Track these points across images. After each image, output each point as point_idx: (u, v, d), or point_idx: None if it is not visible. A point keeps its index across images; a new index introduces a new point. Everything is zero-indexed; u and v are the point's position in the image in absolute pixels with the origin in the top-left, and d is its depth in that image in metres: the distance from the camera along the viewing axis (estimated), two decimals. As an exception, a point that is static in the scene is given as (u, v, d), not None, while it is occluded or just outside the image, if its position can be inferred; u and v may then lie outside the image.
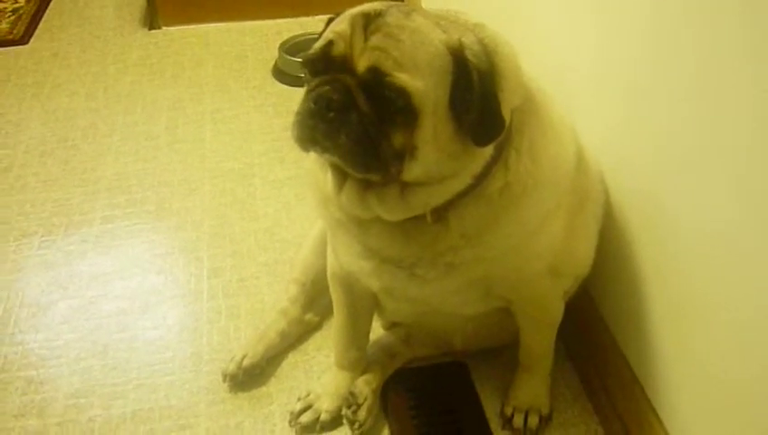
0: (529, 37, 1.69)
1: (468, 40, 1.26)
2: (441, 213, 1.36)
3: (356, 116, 1.22)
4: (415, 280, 1.45)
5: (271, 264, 2.29)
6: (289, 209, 2.52)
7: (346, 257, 1.55)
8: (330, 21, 1.35)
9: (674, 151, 1.38)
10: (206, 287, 2.22)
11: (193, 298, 2.18)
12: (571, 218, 1.53)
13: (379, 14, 1.24)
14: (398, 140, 1.24)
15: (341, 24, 1.26)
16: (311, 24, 3.65)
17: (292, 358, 1.98)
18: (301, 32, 3.47)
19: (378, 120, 1.22)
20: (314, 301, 2.03)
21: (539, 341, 1.73)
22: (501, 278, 1.50)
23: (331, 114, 1.22)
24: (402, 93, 1.19)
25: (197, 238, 2.41)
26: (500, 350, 1.89)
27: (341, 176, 1.33)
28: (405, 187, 1.30)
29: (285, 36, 3.46)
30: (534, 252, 1.50)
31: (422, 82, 1.21)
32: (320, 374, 1.91)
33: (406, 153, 1.24)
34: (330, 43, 1.26)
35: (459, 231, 1.37)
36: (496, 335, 1.85)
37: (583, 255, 1.64)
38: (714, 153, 1.25)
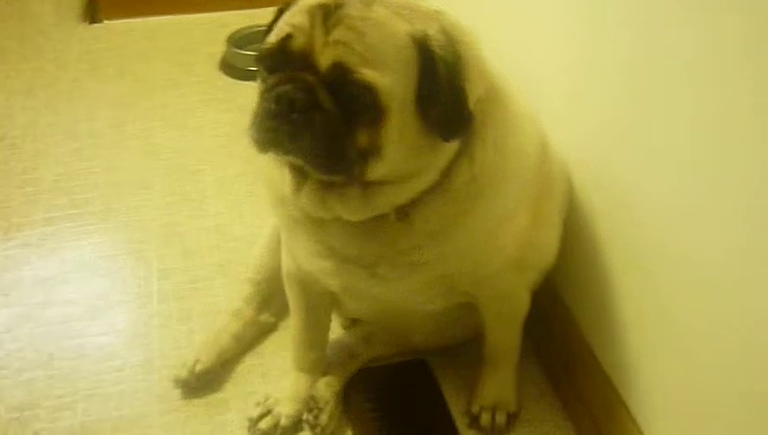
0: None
1: (433, 30, 1.21)
2: (405, 211, 1.32)
3: (320, 116, 1.17)
4: (376, 279, 1.41)
5: (224, 263, 2.22)
6: (241, 207, 2.46)
7: (304, 257, 1.49)
8: (280, 12, 1.29)
9: (639, 138, 1.37)
10: (155, 290, 2.14)
11: (142, 302, 2.10)
12: (534, 209, 1.50)
13: (338, 6, 1.18)
14: (362, 139, 1.19)
15: (299, 17, 1.19)
16: (258, 16, 3.40)
17: (248, 361, 1.92)
18: (248, 24, 3.40)
19: (343, 120, 1.17)
20: (270, 301, 1.96)
21: (504, 336, 1.69)
22: (465, 274, 1.46)
23: (295, 115, 1.16)
24: (369, 91, 1.15)
25: (146, 239, 2.33)
26: (462, 346, 1.86)
27: (300, 176, 1.28)
28: (367, 186, 1.26)
29: (233, 29, 3.39)
30: (499, 245, 1.46)
31: (389, 78, 1.16)
32: (278, 378, 1.85)
33: (370, 152, 1.20)
34: (287, 37, 1.19)
35: (424, 229, 1.33)
36: (459, 332, 1.81)
37: (548, 246, 1.61)
38: (680, 142, 1.24)
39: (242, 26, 3.38)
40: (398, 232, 1.33)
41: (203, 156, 2.71)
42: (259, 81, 1.27)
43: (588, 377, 1.67)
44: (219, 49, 3.34)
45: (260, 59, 1.23)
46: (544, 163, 1.51)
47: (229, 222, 2.39)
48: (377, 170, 1.22)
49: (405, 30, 1.19)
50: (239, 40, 3.27)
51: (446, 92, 1.19)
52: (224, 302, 2.06)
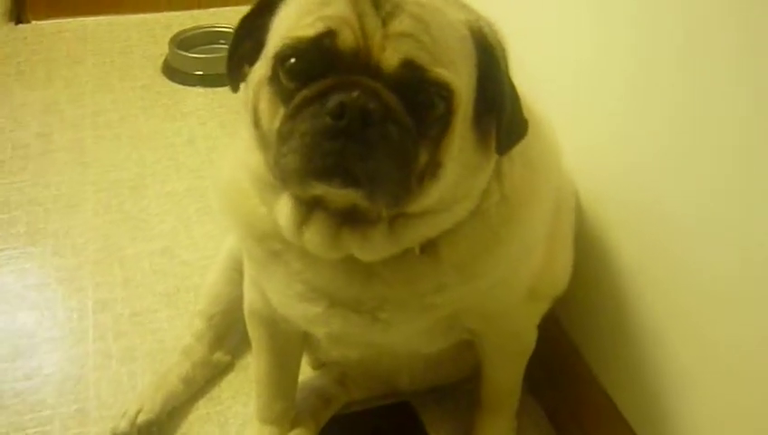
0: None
1: (484, 21, 1.05)
2: (432, 241, 1.13)
3: (396, 130, 0.95)
4: (377, 325, 1.21)
5: (170, 293, 2.04)
6: (189, 226, 2.28)
7: (281, 299, 1.27)
8: (267, 1, 1.06)
9: (663, 149, 1.30)
10: (91, 325, 1.94)
11: (76, 339, 1.90)
12: (549, 229, 1.35)
13: None
14: (423, 157, 0.99)
15: (336, 5, 0.97)
16: (203, 17, 3.46)
17: (202, 409, 1.73)
18: (193, 25, 3.28)
19: (416, 134, 0.97)
20: (225, 337, 1.80)
21: (507, 375, 1.55)
22: (477, 311, 1.31)
23: (370, 130, 0.94)
24: (446, 93, 0.97)
25: (79, 265, 2.13)
26: (451, 387, 1.72)
27: (306, 207, 1.08)
28: (397, 218, 1.07)
29: (176, 30, 3.25)
30: (521, 276, 1.30)
31: (458, 78, 0.98)
32: (239, 429, 1.67)
33: (427, 174, 1.01)
34: (329, 34, 0.96)
35: (452, 263, 1.15)
36: (451, 372, 1.67)
37: (562, 271, 1.46)
38: (710, 160, 1.18)
39: (185, 27, 3.26)
40: (419, 268, 1.14)
41: (144, 169, 2.54)
42: (270, 95, 1.02)
43: (598, 419, 1.55)
44: (161, 51, 3.20)
45: (288, 61, 0.98)
46: (560, 175, 1.38)
47: (176, 244, 2.21)
48: (429, 196, 1.03)
49: (460, 18, 1.02)
50: (184, 42, 3.15)
51: (508, 93, 1.04)
52: (171, 338, 1.89)
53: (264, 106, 1.03)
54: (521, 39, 1.13)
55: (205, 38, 3.17)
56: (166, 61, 3.13)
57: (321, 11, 0.97)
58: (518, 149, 1.13)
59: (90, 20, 3.46)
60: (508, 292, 1.30)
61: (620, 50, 1.38)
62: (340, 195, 1.02)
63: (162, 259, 2.14)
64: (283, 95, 0.99)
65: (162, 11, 3.52)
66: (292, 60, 0.97)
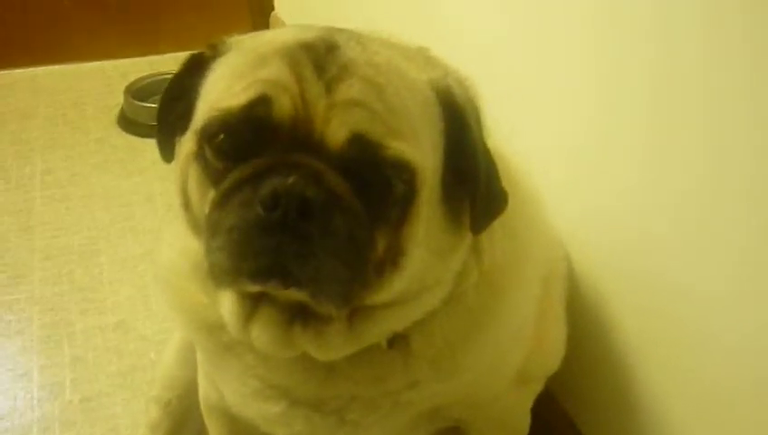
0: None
1: (452, 78, 0.92)
2: (402, 334, 1.00)
3: (343, 220, 0.82)
4: (344, 428, 1.08)
5: (126, 373, 1.88)
6: (146, 296, 2.13)
7: (236, 397, 1.13)
8: (195, 61, 0.95)
9: (669, 212, 1.20)
10: (36, 416, 1.77)
11: (19, 433, 1.74)
12: (538, 302, 1.20)
13: (331, 47, 0.86)
14: (381, 244, 0.87)
15: (273, 66, 0.84)
16: (161, 63, 3.38)
17: None
18: (150, 72, 3.22)
19: (369, 221, 0.84)
20: (183, 423, 1.62)
21: None
22: (459, 402, 1.16)
23: (309, 223, 0.80)
24: (406, 173, 0.84)
25: (23, 345, 1.98)
26: None
27: (251, 301, 0.95)
28: (356, 313, 0.94)
29: (132, 78, 3.17)
30: (510, 361, 1.16)
31: (420, 152, 0.86)
32: None
33: (387, 263, 0.88)
34: (263, 101, 0.83)
35: (426, 357, 1.02)
36: None
37: (554, 347, 1.33)
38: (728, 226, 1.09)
39: (142, 75, 3.18)
40: (387, 365, 1.01)
41: (97, 232, 2.40)
42: (197, 174, 0.89)
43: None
44: (116, 102, 3.11)
45: (213, 137, 0.85)
46: (549, 241, 1.26)
47: (132, 317, 2.06)
48: (391, 287, 0.91)
49: (423, 78, 0.89)
50: (140, 90, 3.05)
51: (482, 163, 0.91)
52: (127, 425, 1.74)
53: (193, 186, 0.90)
54: (512, 100, 1.01)
55: (163, 86, 2.96)
56: (121, 111, 3.04)
57: (253, 75, 0.84)
58: (498, 219, 0.99)
59: (41, 70, 3.41)
60: (494, 381, 1.17)
61: (627, 112, 1.28)
62: (282, 293, 0.89)
63: (116, 335, 2.00)
64: (212, 176, 0.86)
65: (117, 57, 3.47)
66: (221, 136, 0.84)
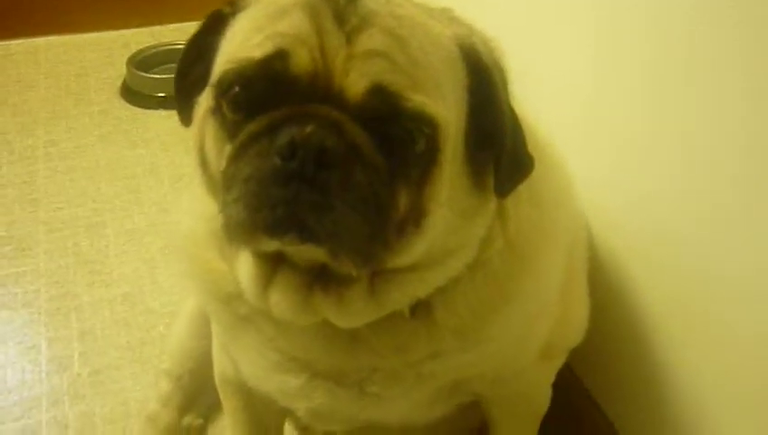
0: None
1: (478, 37, 0.89)
2: (425, 303, 0.97)
3: (363, 173, 0.79)
4: (366, 400, 1.05)
5: (135, 346, 1.86)
6: (153, 268, 2.10)
7: (254, 370, 1.10)
8: (215, 18, 0.91)
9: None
10: (45, 389, 1.75)
11: (27, 406, 1.71)
12: (564, 272, 1.17)
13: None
14: (402, 203, 0.83)
15: (291, 18, 0.82)
16: (164, 34, 3.33)
17: None
18: (153, 42, 3.17)
19: (390, 176, 0.81)
20: (195, 398, 1.63)
21: None
22: (483, 375, 1.13)
23: (327, 173, 0.77)
24: (427, 127, 0.80)
25: (30, 318, 1.95)
26: None
27: (270, 264, 0.92)
28: (377, 277, 0.91)
29: (134, 49, 3.12)
30: (536, 334, 1.13)
31: (444, 107, 0.82)
32: None
33: (408, 224, 0.85)
34: (280, 55, 0.80)
35: (450, 327, 0.99)
36: None
37: (579, 319, 1.29)
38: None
39: (144, 46, 3.13)
40: (410, 334, 0.98)
41: (102, 204, 2.36)
42: (214, 130, 0.86)
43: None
44: (119, 73, 3.06)
45: (228, 89, 0.82)
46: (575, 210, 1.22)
47: (139, 290, 2.03)
48: (413, 250, 0.88)
49: (448, 34, 0.86)
50: (143, 61, 3.02)
51: (508, 124, 0.87)
52: (136, 400, 1.72)
53: (210, 144, 0.88)
54: (523, 58, 0.97)
55: (166, 57, 3.03)
56: (124, 83, 2.99)
57: (272, 27, 0.81)
58: (524, 185, 0.97)
59: (41, 40, 3.33)
60: (520, 354, 1.14)
61: (630, 71, 1.26)
62: (299, 250, 0.86)
63: (124, 307, 1.97)
64: (229, 130, 0.83)
65: (119, 29, 3.40)
66: (236, 88, 0.81)
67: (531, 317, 1.06)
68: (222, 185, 0.83)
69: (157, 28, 3.36)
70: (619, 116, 1.32)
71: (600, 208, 1.38)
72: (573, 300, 1.24)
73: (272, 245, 0.83)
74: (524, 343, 1.11)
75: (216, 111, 0.84)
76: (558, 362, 1.28)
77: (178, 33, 3.25)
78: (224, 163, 0.83)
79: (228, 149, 0.83)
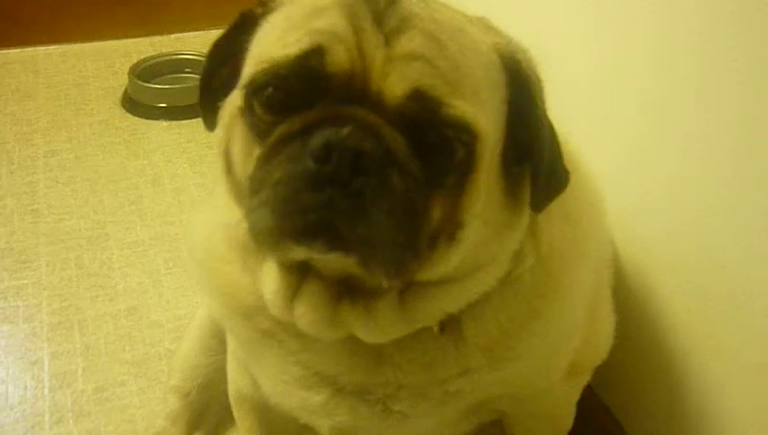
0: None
1: (516, 46, 0.87)
2: (455, 318, 0.95)
3: (400, 179, 0.76)
4: (390, 418, 1.02)
5: (140, 361, 1.82)
6: (158, 281, 2.06)
7: (275, 386, 1.07)
8: (245, 19, 0.89)
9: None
10: (47, 406, 1.71)
11: (30, 423, 1.67)
12: (593, 289, 1.16)
13: (391, 0, 0.80)
14: (437, 213, 0.81)
15: (329, 17, 0.79)
16: (166, 44, 3.29)
17: None
18: (154, 52, 3.13)
19: (426, 184, 0.78)
20: (204, 415, 1.60)
21: None
22: (510, 393, 1.10)
23: (363, 178, 0.74)
24: (466, 135, 0.79)
25: (32, 332, 1.91)
26: None
27: (296, 275, 0.89)
28: (407, 290, 0.89)
29: (135, 58, 3.08)
30: (565, 352, 1.11)
31: (483, 115, 0.80)
32: None
33: (442, 235, 0.83)
34: (317, 52, 0.77)
35: (479, 344, 0.97)
36: None
37: (605, 337, 1.27)
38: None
39: (146, 56, 3.09)
40: (438, 351, 0.96)
41: (104, 216, 2.32)
42: (243, 133, 0.84)
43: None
44: (120, 83, 3.02)
45: (261, 89, 0.80)
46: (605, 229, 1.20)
47: (144, 303, 2.00)
48: (445, 263, 0.85)
49: (488, 41, 0.84)
50: (145, 71, 2.98)
51: (546, 138, 0.85)
52: (142, 417, 1.68)
53: (238, 147, 0.85)
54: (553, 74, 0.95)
55: (168, 67, 3.01)
56: (126, 93, 2.96)
57: (308, 24, 0.78)
58: (556, 201, 0.94)
59: (40, 50, 3.28)
60: (548, 372, 1.12)
61: (671, 100, 1.23)
62: (328, 260, 0.83)
63: (128, 322, 1.93)
64: (259, 131, 0.80)
65: (120, 38, 3.35)
66: (270, 89, 0.78)
67: (560, 335, 1.04)
68: (249, 189, 0.80)
69: (158, 38, 3.32)
70: (632, 120, 1.31)
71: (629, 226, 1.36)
72: (600, 317, 1.22)
73: (300, 253, 0.80)
74: (553, 360, 1.08)
75: (247, 112, 0.82)
76: (584, 380, 1.26)
77: (180, 42, 3.21)
78: (252, 167, 0.80)
79: (258, 151, 0.80)
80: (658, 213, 1.28)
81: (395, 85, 0.76)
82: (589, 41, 1.43)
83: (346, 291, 0.88)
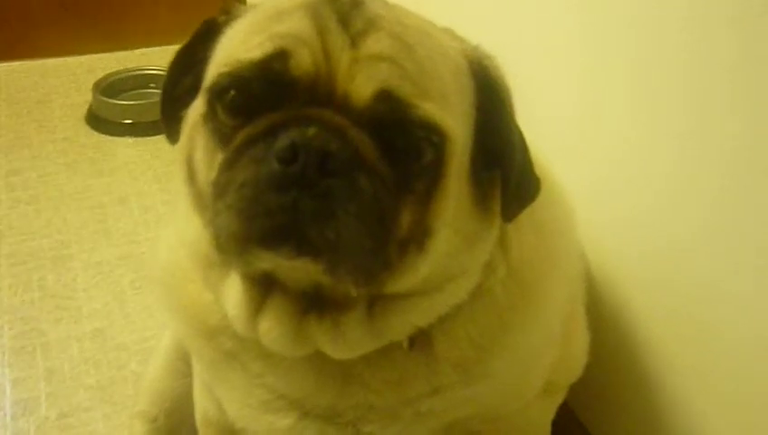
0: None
1: (483, 53, 0.86)
2: (424, 333, 0.93)
3: (367, 181, 0.74)
4: None
5: (105, 386, 1.78)
6: (124, 302, 2.02)
7: (240, 409, 1.04)
8: (208, 27, 0.88)
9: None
10: (10, 434, 1.66)
11: None
12: (567, 303, 1.15)
13: (357, 2, 0.79)
14: (407, 219, 0.79)
15: (292, 20, 0.78)
16: (131, 59, 3.27)
17: None
18: (119, 68, 3.11)
19: (395, 188, 0.77)
20: None
21: None
22: (483, 412, 1.08)
23: (330, 180, 0.73)
24: (435, 136, 0.77)
25: None
26: None
27: (260, 289, 0.87)
28: (376, 302, 0.87)
29: (99, 74, 3.06)
30: (539, 369, 1.09)
31: (451, 117, 0.79)
32: None
33: (411, 242, 0.81)
34: (280, 55, 0.75)
35: (450, 360, 0.95)
36: None
37: (580, 353, 1.25)
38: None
39: (110, 71, 3.08)
40: (408, 368, 0.94)
41: (68, 236, 2.28)
42: (206, 139, 0.82)
43: None
44: (84, 99, 3.00)
45: (224, 93, 0.78)
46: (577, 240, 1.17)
47: (110, 325, 1.96)
48: (415, 273, 0.83)
49: (455, 46, 0.83)
50: (109, 87, 2.97)
51: (516, 144, 0.85)
52: None
53: (200, 154, 0.83)
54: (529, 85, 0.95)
55: (133, 82, 2.99)
56: (90, 109, 2.93)
57: (272, 28, 0.77)
58: (525, 211, 0.93)
59: (2, 66, 3.29)
60: (523, 390, 1.09)
61: (657, 112, 1.22)
62: (294, 268, 0.80)
63: (93, 344, 1.89)
64: (222, 136, 0.78)
65: (84, 53, 3.35)
66: (232, 92, 0.76)
67: (533, 349, 1.02)
68: (212, 194, 0.77)
69: (122, 53, 3.32)
70: (608, 133, 1.30)
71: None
72: (574, 333, 1.20)
73: (266, 259, 0.78)
74: (527, 377, 1.06)
75: (210, 117, 0.79)
76: (559, 399, 1.24)
77: (145, 58, 3.20)
78: (215, 172, 0.78)
79: (221, 156, 0.78)
80: (633, 230, 1.27)
81: (362, 86, 0.75)
82: (573, 52, 1.43)
83: (312, 305, 0.86)
